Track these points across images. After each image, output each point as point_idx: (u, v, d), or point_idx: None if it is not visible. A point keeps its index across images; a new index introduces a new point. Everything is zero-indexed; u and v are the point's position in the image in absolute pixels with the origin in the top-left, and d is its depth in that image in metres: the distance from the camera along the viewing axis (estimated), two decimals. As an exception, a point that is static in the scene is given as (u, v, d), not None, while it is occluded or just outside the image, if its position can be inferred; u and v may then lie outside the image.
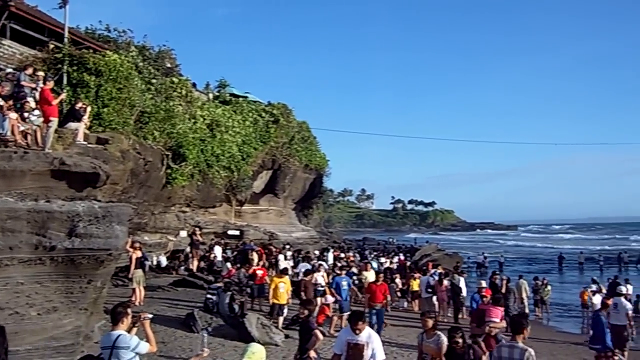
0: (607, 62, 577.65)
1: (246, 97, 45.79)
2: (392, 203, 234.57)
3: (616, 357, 12.69)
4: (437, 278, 22.75)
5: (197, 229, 29.06)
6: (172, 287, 22.42)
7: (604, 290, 24.92)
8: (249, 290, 20.16)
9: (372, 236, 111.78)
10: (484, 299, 13.97)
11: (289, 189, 49.43)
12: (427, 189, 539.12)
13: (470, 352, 9.05)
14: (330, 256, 32.20)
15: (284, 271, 19.11)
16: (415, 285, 23.70)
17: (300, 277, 20.43)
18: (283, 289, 17.13)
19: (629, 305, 16.09)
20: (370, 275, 21.08)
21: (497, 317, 12.35)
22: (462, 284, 22.15)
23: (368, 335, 7.93)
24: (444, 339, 8.97)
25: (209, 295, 17.49)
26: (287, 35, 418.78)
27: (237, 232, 37.89)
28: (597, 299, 23.75)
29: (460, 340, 8.44)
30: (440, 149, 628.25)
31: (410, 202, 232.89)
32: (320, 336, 9.80)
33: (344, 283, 17.74)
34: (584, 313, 24.62)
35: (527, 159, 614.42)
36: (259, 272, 20.31)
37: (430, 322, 9.31)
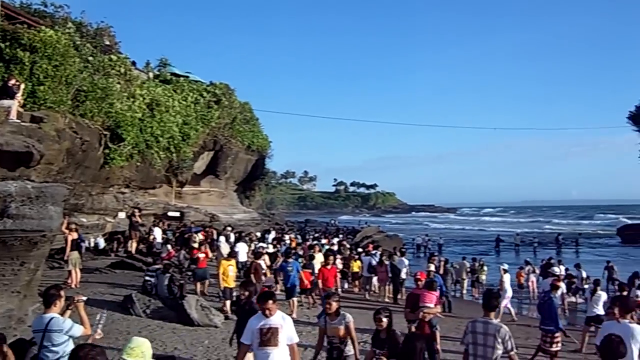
0: (547, 50, 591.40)
1: (187, 76, 45.20)
2: (334, 185, 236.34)
3: (559, 337, 12.77)
4: (377, 259, 23.05)
5: (136, 210, 28.63)
6: (110, 270, 22.01)
7: (537, 271, 25.74)
8: (189, 273, 19.95)
9: (314, 218, 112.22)
10: (419, 282, 13.43)
11: (230, 171, 49.06)
12: (369, 172, 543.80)
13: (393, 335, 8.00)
14: (271, 238, 32.18)
15: (232, 254, 18.97)
16: (355, 266, 23.87)
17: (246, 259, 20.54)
18: (232, 272, 16.74)
19: (562, 285, 16.63)
20: (316, 261, 21.13)
21: (431, 302, 11.83)
22: (403, 264, 22.35)
23: (281, 317, 7.45)
24: (350, 318, 8.50)
25: (147, 278, 17.24)
26: (230, 15, 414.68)
27: (177, 214, 37.46)
28: (533, 279, 24.55)
29: (385, 320, 7.89)
30: (382, 132, 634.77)
31: (352, 184, 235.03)
32: None
33: (290, 268, 17.36)
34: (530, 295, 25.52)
35: (467, 143, 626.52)
36: (201, 256, 19.90)
37: (334, 305, 8.49)
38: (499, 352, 7.01)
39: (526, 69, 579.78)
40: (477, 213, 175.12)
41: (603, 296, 15.72)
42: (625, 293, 15.16)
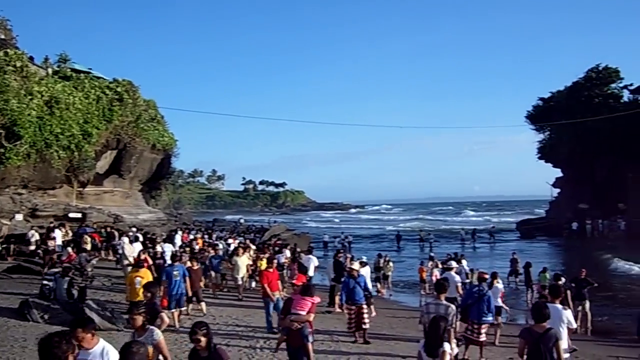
0: (452, 49, 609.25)
1: (89, 72, 43.83)
2: (243, 184, 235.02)
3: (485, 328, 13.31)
4: (288, 257, 23.26)
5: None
6: (6, 275, 21.11)
7: (440, 266, 26.47)
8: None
9: (222, 217, 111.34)
10: (295, 287, 12.47)
11: (135, 170, 47.93)
12: (278, 170, 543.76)
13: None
14: (178, 238, 31.68)
15: (140, 264, 16.38)
16: (263, 264, 23.82)
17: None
18: (139, 284, 14.02)
19: (457, 278, 17.11)
20: (242, 261, 20.90)
21: (303, 309, 10.25)
22: (311, 263, 22.42)
23: (101, 352, 5.88)
24: (158, 335, 7.38)
25: (45, 282, 16.56)
26: (136, 11, 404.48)
27: (79, 215, 36.20)
28: (437, 273, 25.16)
29: (203, 338, 6.55)
30: (292, 130, 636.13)
31: (261, 182, 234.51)
32: (166, 319, 9.59)
33: (176, 273, 15.31)
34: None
35: (374, 141, 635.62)
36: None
37: (139, 320, 7.46)
38: (447, 327, 8.04)
39: (431, 68, 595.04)
40: (384, 210, 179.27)
41: (500, 287, 16.39)
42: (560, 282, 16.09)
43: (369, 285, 15.42)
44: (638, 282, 29.43)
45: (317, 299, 10.83)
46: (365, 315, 14.10)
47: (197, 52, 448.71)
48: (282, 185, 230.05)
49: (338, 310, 19.03)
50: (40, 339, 4.78)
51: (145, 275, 14.50)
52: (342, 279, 15.55)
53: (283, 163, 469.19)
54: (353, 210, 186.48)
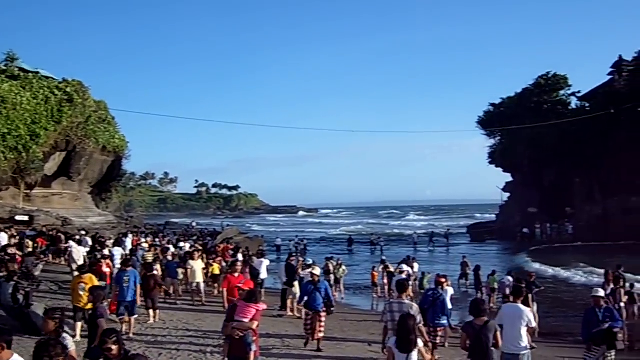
0: (405, 54, 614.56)
1: (38, 72, 42.83)
2: (196, 187, 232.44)
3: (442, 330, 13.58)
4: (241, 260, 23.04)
5: None
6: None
7: (392, 269, 26.61)
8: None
9: (175, 220, 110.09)
10: (240, 292, 11.44)
11: (84, 172, 47.00)
12: (231, 173, 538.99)
13: None
14: (128, 242, 31.15)
15: (83, 269, 15.55)
16: (215, 269, 23.63)
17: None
18: (82, 290, 13.68)
19: (399, 277, 17.33)
20: (197, 265, 20.57)
21: (245, 316, 9.67)
22: (263, 266, 22.32)
23: None
24: (70, 343, 7.06)
25: (-12, 287, 16.07)
26: (84, 9, 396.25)
27: (26, 218, 35.34)
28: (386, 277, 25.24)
29: (114, 346, 6.13)
30: (245, 133, 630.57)
31: (214, 185, 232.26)
32: (104, 325, 9.33)
33: (126, 279, 14.56)
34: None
35: (327, 144, 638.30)
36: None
37: (51, 325, 7.23)
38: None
39: (385, 72, 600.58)
40: (332, 214, 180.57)
41: (450, 291, 16.57)
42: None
43: (330, 292, 14.67)
44: (557, 283, 30.43)
45: (262, 306, 10.28)
46: (322, 323, 13.59)
47: (149, 55, 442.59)
48: (235, 188, 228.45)
49: (290, 313, 19.00)
50: (36, 342, 5.28)
51: (90, 281, 13.88)
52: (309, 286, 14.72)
53: (236, 166, 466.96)
54: (301, 214, 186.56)
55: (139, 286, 14.92)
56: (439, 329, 13.23)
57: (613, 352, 10.95)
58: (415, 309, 9.49)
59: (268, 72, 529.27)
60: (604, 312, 11.03)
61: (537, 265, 35.49)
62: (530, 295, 17.75)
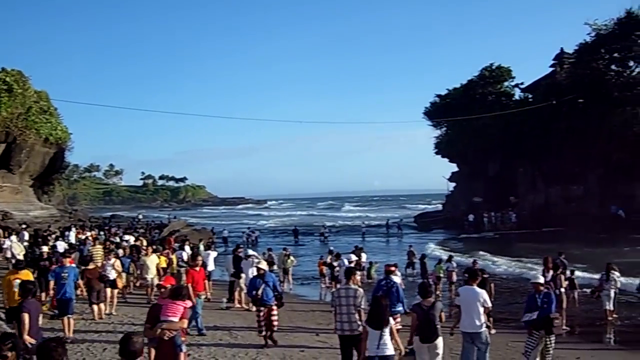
0: (352, 43, 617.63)
1: (-26, 61, 41.52)
2: (142, 179, 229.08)
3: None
4: (190, 252, 22.91)
5: None
6: None
7: (329, 260, 26.80)
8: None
9: (120, 213, 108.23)
10: (161, 290, 10.47)
11: (25, 164, 45.86)
12: (178, 165, 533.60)
13: None
14: (72, 235, 30.52)
15: (20, 265, 14.18)
16: (162, 262, 23.32)
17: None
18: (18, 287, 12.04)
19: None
20: (151, 260, 20.21)
21: (174, 315, 9.01)
22: (210, 258, 22.16)
23: None
24: None
25: None
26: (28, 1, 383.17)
27: (-37, 212, 34.30)
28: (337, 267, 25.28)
29: (10, 353, 5.38)
30: (192, 124, 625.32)
31: (161, 177, 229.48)
32: (26, 322, 9.03)
33: (65, 275, 13.71)
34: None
35: (275, 135, 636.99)
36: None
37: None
38: (357, 308, 9.93)
39: (332, 64, 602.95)
40: (273, 205, 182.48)
41: (397, 279, 16.72)
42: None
43: (278, 285, 14.30)
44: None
45: (189, 303, 9.72)
46: (275, 317, 13.30)
47: (93, 43, 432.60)
48: (182, 180, 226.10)
49: (238, 305, 18.91)
50: (38, 344, 5.49)
51: (25, 276, 12.60)
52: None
53: (184, 157, 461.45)
54: (240, 206, 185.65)
55: (80, 283, 14.37)
56: (395, 316, 13.34)
57: (552, 337, 11.29)
58: (360, 293, 10.12)
59: (216, 63, 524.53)
60: (542, 298, 11.34)
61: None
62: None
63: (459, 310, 10.81)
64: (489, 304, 10.81)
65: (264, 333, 13.09)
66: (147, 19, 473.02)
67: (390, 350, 8.75)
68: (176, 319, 8.98)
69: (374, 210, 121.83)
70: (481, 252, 36.79)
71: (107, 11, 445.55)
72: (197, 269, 14.86)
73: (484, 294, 10.68)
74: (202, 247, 27.12)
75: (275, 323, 13.24)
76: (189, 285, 14.02)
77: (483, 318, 10.48)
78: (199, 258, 16.07)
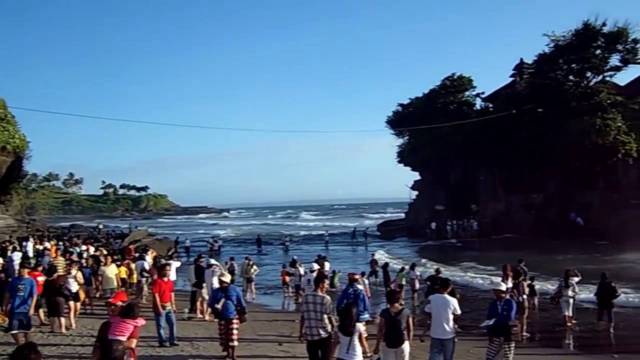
0: (318, 54, 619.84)
1: None
2: (102, 188, 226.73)
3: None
4: (151, 262, 22.70)
5: None
6: None
7: (301, 269, 26.76)
8: None
9: (80, 223, 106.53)
10: (111, 307, 9.73)
11: (-19, 173, 44.74)
12: (140, 174, 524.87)
13: None
14: (30, 246, 29.87)
15: None
16: (122, 272, 22.98)
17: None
18: None
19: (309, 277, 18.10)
20: (110, 271, 19.79)
21: (123, 334, 8.48)
22: (172, 268, 21.87)
23: None
24: None
25: None
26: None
27: None
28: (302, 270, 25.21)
29: None
30: (153, 132, 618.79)
31: (122, 186, 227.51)
32: None
33: (21, 287, 13.14)
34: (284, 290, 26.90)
35: (239, 144, 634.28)
36: None
37: None
38: (323, 315, 10.03)
39: (295, 73, 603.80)
40: (232, 215, 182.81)
41: (361, 287, 16.75)
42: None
43: (242, 299, 13.41)
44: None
45: (141, 322, 8.90)
46: (235, 332, 12.61)
47: (52, 52, 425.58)
48: (144, 189, 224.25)
49: (200, 315, 18.72)
50: (12, 351, 5.43)
51: None
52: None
53: (145, 166, 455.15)
54: (202, 215, 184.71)
55: (34, 297, 13.32)
56: (362, 323, 13.39)
57: (512, 344, 11.50)
58: (327, 300, 10.28)
59: (180, 71, 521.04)
60: (503, 305, 11.56)
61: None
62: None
63: (429, 317, 11.47)
64: (459, 312, 11.16)
65: (226, 346, 12.69)
66: (110, 27, 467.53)
67: (358, 356, 9.19)
68: (124, 338, 8.38)
69: (332, 219, 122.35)
70: (423, 260, 37.45)
71: (71, 21, 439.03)
72: (166, 279, 14.51)
73: (454, 302, 11.13)
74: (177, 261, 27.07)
75: (235, 337, 12.61)
76: (156, 295, 13.99)
77: (452, 324, 10.96)
78: (168, 268, 15.71)
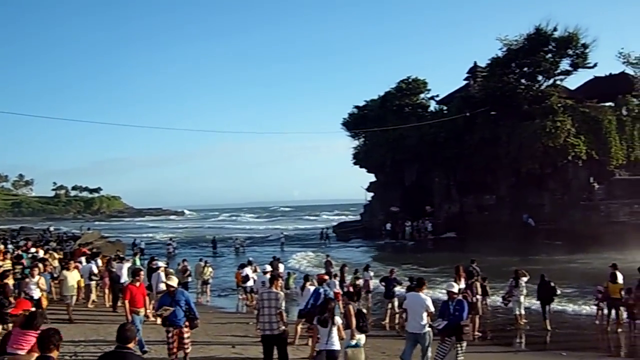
0: (270, 55, 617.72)
1: None
2: (54, 189, 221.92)
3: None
4: (100, 264, 22.31)
5: None
6: None
7: (259, 270, 26.64)
8: None
9: (30, 225, 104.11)
10: (13, 318, 9.16)
11: None
12: (93, 175, 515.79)
13: None
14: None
15: None
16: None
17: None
18: None
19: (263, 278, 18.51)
20: (72, 276, 19.27)
21: (23, 348, 7.35)
22: (123, 270, 21.56)
23: None
24: None
25: None
26: None
27: None
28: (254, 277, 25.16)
29: None
30: (106, 133, 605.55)
31: (74, 188, 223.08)
32: None
33: None
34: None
35: (192, 145, 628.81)
36: None
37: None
38: (278, 310, 10.98)
39: (252, 73, 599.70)
40: (202, 216, 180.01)
41: (310, 290, 16.76)
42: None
43: (192, 303, 12.38)
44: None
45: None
46: (187, 340, 11.90)
47: (2, 48, 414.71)
48: (97, 190, 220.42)
49: (152, 319, 18.44)
50: (41, 331, 6.55)
51: None
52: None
53: (98, 167, 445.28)
54: (173, 216, 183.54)
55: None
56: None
57: (464, 344, 11.89)
58: (281, 296, 11.26)
59: (133, 71, 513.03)
60: (454, 305, 12.03)
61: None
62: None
63: (405, 313, 12.52)
64: (432, 309, 11.94)
65: (174, 355, 11.86)
66: (62, 22, 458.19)
67: (336, 345, 10.07)
68: (23, 352, 7.34)
69: (274, 222, 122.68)
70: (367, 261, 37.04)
71: (21, 19, 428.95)
72: (137, 284, 14.06)
73: (428, 300, 11.98)
74: (137, 261, 26.69)
75: (187, 345, 11.96)
76: (127, 301, 13.54)
77: (426, 321, 11.84)
78: (141, 273, 15.20)
